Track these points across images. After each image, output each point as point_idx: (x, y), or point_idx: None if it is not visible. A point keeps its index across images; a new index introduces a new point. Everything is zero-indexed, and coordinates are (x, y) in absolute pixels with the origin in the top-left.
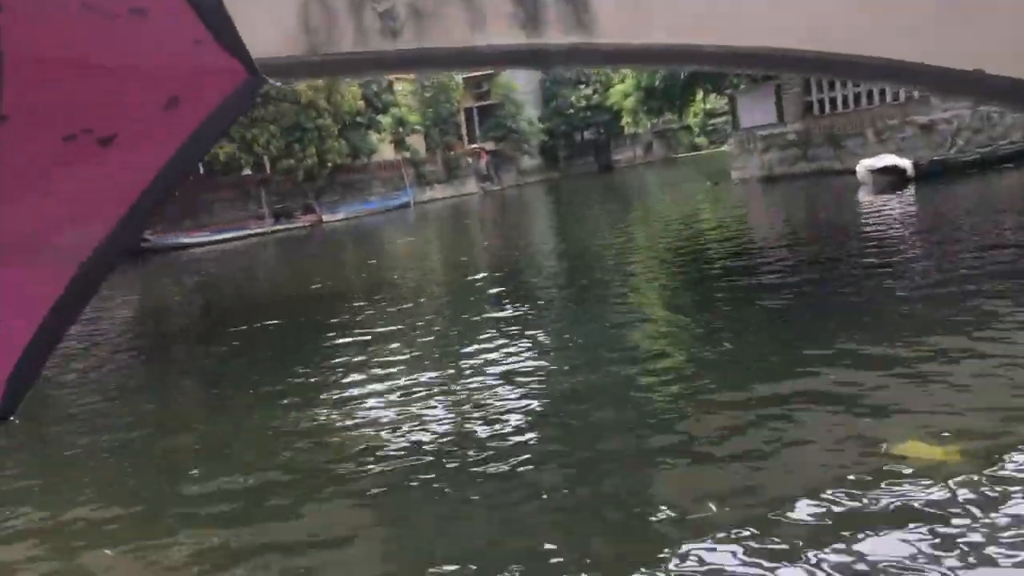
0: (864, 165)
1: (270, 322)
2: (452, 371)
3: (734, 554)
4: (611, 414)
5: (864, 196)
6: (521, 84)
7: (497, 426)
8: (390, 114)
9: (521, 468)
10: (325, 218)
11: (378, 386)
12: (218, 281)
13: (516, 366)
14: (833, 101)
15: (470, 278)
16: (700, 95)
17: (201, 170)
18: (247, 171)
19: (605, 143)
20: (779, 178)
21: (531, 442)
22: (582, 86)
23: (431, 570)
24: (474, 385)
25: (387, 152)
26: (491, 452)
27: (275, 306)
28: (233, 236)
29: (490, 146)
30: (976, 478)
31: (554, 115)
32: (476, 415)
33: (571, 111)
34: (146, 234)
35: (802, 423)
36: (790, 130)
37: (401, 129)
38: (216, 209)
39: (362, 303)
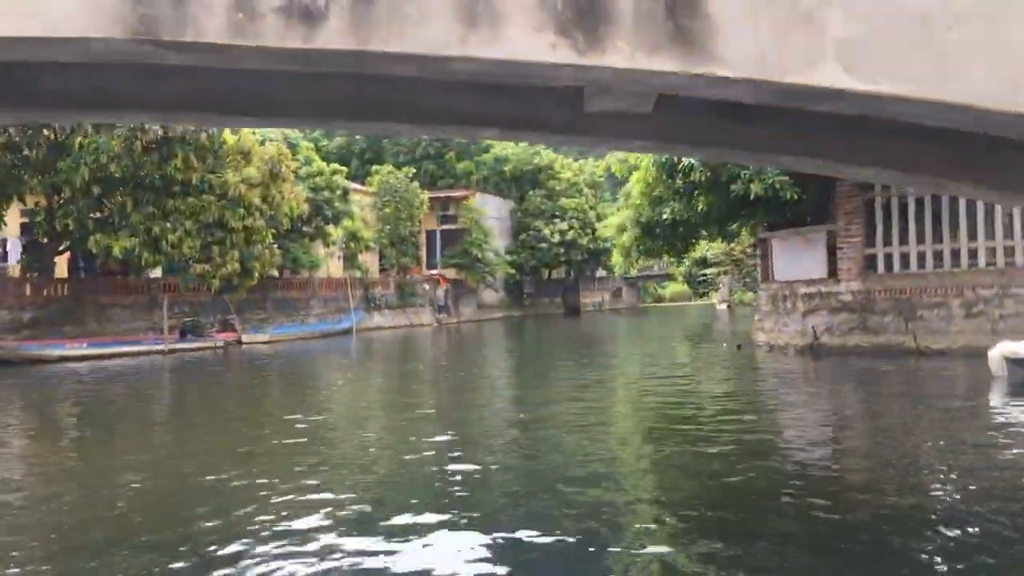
0: (1000, 351)
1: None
2: None
3: None
4: None
5: (1000, 396)
6: (491, 211)
7: None
8: (342, 226)
9: None
10: (245, 339)
11: None
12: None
13: None
14: (905, 258)
15: (409, 456)
16: (704, 239)
17: (95, 268)
18: (156, 273)
19: (574, 284)
20: (827, 349)
21: None
22: (557, 219)
23: None
24: None
25: (334, 268)
26: None
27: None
28: (118, 351)
29: (451, 274)
30: None
31: (523, 248)
32: None
33: (543, 245)
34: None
35: None
36: (845, 289)
37: (353, 244)
38: (113, 316)
39: (263, 472)
